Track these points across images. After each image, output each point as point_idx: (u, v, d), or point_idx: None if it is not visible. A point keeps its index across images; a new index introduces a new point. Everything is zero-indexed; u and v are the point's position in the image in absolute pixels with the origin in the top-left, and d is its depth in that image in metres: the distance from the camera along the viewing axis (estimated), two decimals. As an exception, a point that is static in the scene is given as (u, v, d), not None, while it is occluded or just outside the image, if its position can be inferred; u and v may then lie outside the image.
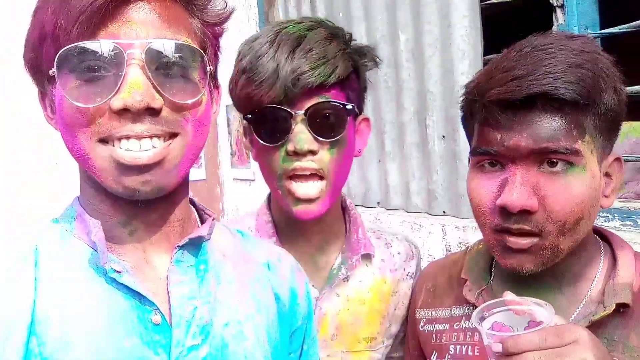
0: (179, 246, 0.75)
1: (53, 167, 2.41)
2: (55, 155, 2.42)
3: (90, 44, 0.67)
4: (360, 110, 1.13)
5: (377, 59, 1.14)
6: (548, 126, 0.80)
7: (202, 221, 0.84)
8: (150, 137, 0.68)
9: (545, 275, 0.90)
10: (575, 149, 0.80)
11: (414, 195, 2.02)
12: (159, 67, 0.69)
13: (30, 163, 2.39)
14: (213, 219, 0.82)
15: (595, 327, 0.83)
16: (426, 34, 1.93)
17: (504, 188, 0.83)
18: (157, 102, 0.67)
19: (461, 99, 0.95)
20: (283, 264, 0.90)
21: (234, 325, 0.77)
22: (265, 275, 0.86)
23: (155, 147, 0.69)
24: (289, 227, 1.12)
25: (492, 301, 0.80)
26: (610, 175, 0.88)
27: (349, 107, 1.04)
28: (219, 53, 0.81)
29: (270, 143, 1.03)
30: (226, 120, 3.63)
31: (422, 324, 1.09)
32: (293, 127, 1.00)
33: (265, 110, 1.01)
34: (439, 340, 1.04)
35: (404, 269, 1.20)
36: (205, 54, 0.75)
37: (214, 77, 0.79)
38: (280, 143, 1.02)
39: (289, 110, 1.00)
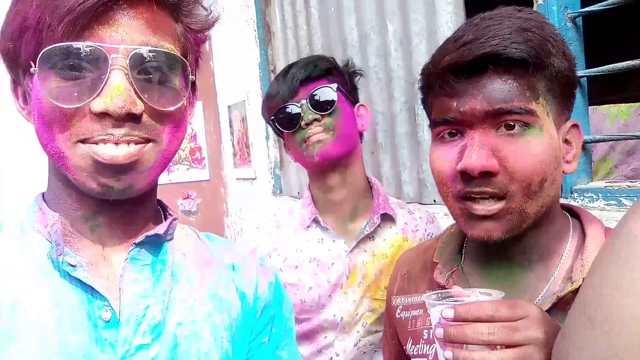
0: (135, 243, 0.75)
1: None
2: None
3: (75, 45, 0.66)
4: (354, 98, 1.49)
5: (360, 71, 1.54)
6: (501, 88, 0.81)
7: None
8: (128, 142, 0.69)
9: (514, 252, 0.89)
10: (529, 108, 0.80)
11: (406, 185, 2.00)
12: (142, 73, 0.69)
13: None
14: (174, 219, 0.82)
15: (564, 303, 0.81)
16: (413, 23, 1.91)
17: (464, 153, 0.82)
18: (138, 108, 0.68)
19: (419, 80, 0.95)
20: (249, 264, 0.90)
21: (188, 325, 0.77)
22: (229, 276, 0.86)
23: (129, 149, 0.69)
24: (325, 200, 1.45)
25: (440, 291, 0.81)
26: (569, 142, 0.88)
27: (333, 86, 1.40)
28: (200, 59, 0.82)
29: (289, 130, 1.41)
30: (228, 121, 3.64)
31: (398, 311, 1.08)
32: (302, 114, 1.38)
33: (281, 108, 1.40)
34: (414, 327, 1.03)
35: (425, 230, 1.47)
36: (187, 60, 0.76)
37: (193, 82, 0.80)
38: (296, 128, 1.39)
39: (295, 104, 1.39)
